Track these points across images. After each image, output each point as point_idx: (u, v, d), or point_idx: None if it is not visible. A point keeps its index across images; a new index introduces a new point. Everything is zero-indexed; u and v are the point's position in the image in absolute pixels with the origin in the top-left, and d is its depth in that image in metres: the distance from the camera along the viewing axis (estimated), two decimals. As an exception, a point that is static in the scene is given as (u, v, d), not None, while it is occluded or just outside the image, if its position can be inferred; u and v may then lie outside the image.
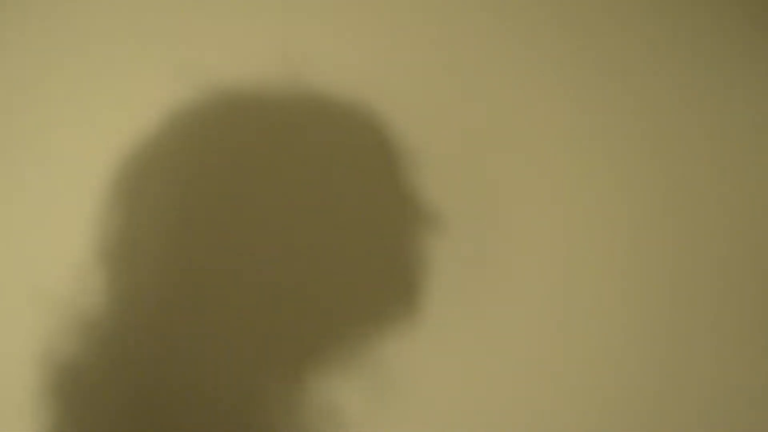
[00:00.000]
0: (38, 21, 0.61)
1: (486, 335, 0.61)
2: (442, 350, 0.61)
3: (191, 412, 0.57)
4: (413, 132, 0.63)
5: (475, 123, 0.64)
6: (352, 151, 0.62)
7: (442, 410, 0.60)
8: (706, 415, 0.63)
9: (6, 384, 0.56)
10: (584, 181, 0.65)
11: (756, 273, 0.65)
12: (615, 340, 0.63)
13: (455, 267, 0.62)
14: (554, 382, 0.62)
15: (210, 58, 0.61)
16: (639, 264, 0.64)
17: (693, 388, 0.63)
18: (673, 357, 0.63)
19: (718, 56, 0.68)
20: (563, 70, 0.66)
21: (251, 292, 0.59)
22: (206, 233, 0.60)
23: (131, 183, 0.59)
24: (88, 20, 0.61)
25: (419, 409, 0.60)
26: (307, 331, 0.60)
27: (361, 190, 0.62)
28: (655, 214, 0.65)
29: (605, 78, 0.67)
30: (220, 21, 0.63)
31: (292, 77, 0.62)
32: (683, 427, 0.62)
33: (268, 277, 0.60)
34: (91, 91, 0.61)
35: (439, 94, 0.64)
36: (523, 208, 0.64)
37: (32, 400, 0.55)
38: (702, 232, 0.65)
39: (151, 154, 0.59)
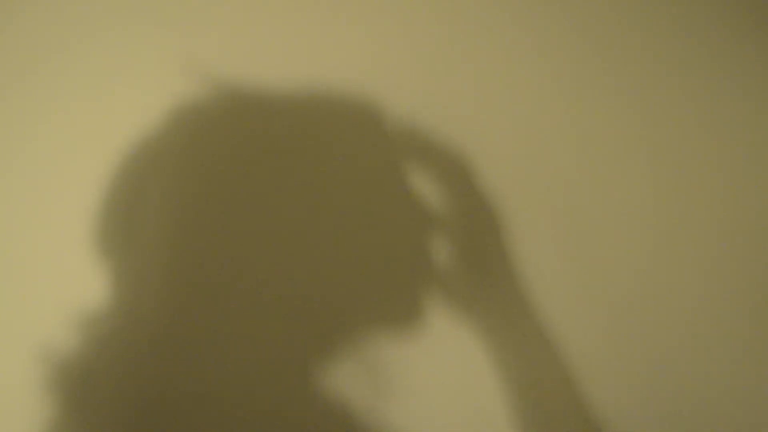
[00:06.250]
0: (40, 15, 0.61)
1: (487, 336, 0.62)
2: (445, 351, 0.61)
3: (193, 410, 0.57)
4: (416, 132, 0.63)
5: (478, 123, 0.65)
6: (359, 150, 0.62)
7: (444, 410, 0.61)
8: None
9: (7, 381, 0.56)
10: (588, 180, 0.65)
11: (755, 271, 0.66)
12: (616, 341, 0.63)
13: (458, 268, 0.62)
14: (554, 384, 0.62)
15: (215, 54, 0.61)
16: (640, 264, 0.65)
17: (699, 390, 0.63)
18: (676, 360, 0.64)
19: (721, 54, 0.68)
20: (567, 69, 0.66)
21: (255, 291, 0.59)
22: (210, 231, 0.60)
23: (134, 180, 0.59)
24: (91, 15, 0.61)
25: (422, 410, 0.60)
26: (307, 330, 0.60)
27: (367, 190, 0.62)
28: (658, 214, 0.65)
29: (609, 76, 0.67)
30: (226, 17, 0.63)
31: (298, 73, 0.62)
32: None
33: (272, 276, 0.60)
34: (91, 87, 0.61)
35: (440, 94, 0.64)
36: (526, 208, 0.64)
37: (33, 397, 0.55)
38: (702, 230, 0.66)
39: (156, 150, 0.59)
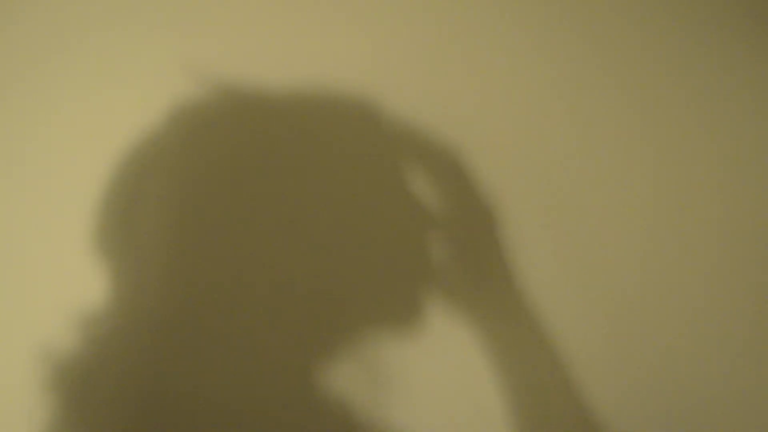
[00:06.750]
0: (40, 15, 0.61)
1: (487, 336, 0.62)
2: (445, 351, 0.61)
3: (193, 410, 0.57)
4: (416, 132, 0.63)
5: (477, 123, 0.65)
6: (359, 150, 0.62)
7: (444, 410, 0.61)
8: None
9: (7, 381, 0.56)
10: (588, 181, 0.65)
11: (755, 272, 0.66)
12: (616, 341, 0.63)
13: (457, 268, 0.62)
14: (553, 383, 0.62)
15: (215, 54, 0.61)
16: (640, 265, 0.64)
17: (699, 390, 0.63)
18: (676, 360, 0.64)
19: (721, 54, 0.68)
20: (567, 69, 0.66)
21: (255, 291, 0.60)
22: (209, 230, 0.60)
23: (134, 180, 0.59)
24: (91, 15, 0.61)
25: (422, 410, 0.60)
26: (307, 330, 0.60)
27: (367, 190, 0.62)
28: (659, 215, 0.65)
29: (609, 76, 0.67)
30: (226, 17, 0.63)
31: (298, 73, 0.62)
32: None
33: (272, 275, 0.60)
34: (91, 87, 0.61)
35: (440, 94, 0.64)
36: (526, 208, 0.64)
37: (33, 397, 0.55)
38: (703, 231, 0.66)
39: (155, 150, 0.59)
